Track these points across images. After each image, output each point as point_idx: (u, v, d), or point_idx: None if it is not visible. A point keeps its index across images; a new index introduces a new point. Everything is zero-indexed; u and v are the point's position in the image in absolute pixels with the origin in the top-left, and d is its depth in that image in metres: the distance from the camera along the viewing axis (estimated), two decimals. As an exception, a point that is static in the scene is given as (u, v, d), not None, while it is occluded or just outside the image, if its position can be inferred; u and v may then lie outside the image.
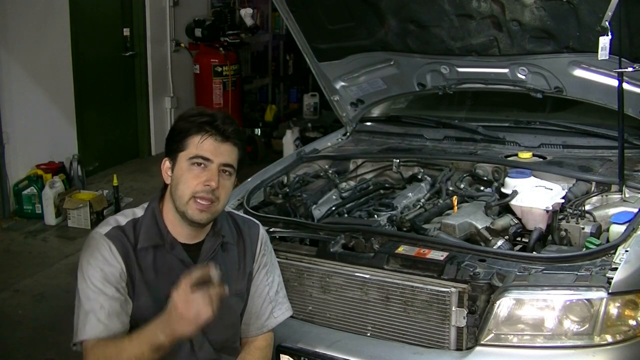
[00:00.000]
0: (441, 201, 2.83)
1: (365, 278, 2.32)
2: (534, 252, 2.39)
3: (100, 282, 1.82)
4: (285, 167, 3.26)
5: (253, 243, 2.09)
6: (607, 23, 2.52)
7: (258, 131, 7.65)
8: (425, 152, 3.33)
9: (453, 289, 2.16)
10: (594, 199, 2.67)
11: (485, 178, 3.00)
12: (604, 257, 2.17)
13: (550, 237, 2.51)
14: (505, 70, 3.17)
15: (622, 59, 2.60)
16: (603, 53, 2.56)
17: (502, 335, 2.11)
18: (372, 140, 3.63)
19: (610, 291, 2.02)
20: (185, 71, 7.41)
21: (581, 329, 2.05)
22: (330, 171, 3.20)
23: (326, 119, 7.01)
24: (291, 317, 2.23)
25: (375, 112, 3.84)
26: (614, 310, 2.04)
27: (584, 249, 2.35)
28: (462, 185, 2.96)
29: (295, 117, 8.23)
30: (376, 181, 3.15)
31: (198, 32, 6.91)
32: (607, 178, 2.73)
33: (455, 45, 3.14)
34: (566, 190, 2.69)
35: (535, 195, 2.62)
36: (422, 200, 2.87)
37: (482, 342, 2.12)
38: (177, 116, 1.98)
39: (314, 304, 2.43)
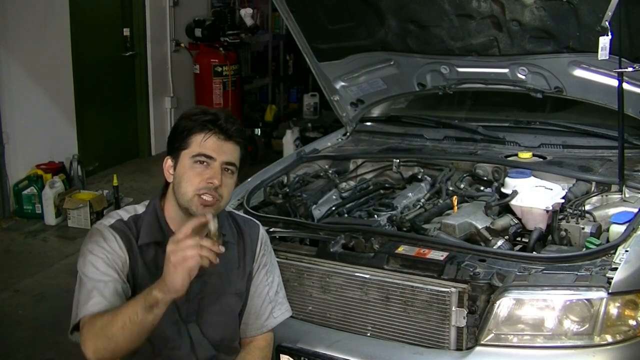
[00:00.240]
0: (441, 201, 2.83)
1: (365, 278, 2.32)
2: (534, 252, 2.39)
3: (104, 267, 1.83)
4: (285, 167, 3.26)
5: (253, 243, 2.09)
6: (607, 23, 2.52)
7: (258, 131, 7.65)
8: (425, 152, 3.33)
9: (453, 289, 2.16)
10: (594, 199, 2.67)
11: (485, 178, 3.00)
12: (604, 257, 2.17)
13: (550, 237, 2.51)
14: (505, 70, 3.17)
15: (622, 59, 2.60)
16: (603, 53, 2.56)
17: (502, 335, 2.11)
18: (372, 140, 3.63)
19: (610, 291, 2.02)
20: (185, 71, 7.41)
21: (581, 329, 2.05)
22: (330, 171, 3.20)
23: (326, 119, 7.01)
24: (291, 317, 2.23)
25: (375, 112, 3.84)
26: (614, 310, 2.04)
27: (584, 249, 2.35)
28: (462, 185, 2.96)
29: (295, 117, 8.23)
30: (376, 181, 3.15)
31: (198, 32, 6.91)
32: (607, 178, 2.73)
33: (455, 45, 3.14)
34: (566, 190, 2.69)
35: (535, 195, 2.62)
36: (422, 200, 2.87)
37: (482, 342, 2.12)
38: (179, 115, 1.98)
39: (314, 304, 2.43)
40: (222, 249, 1.68)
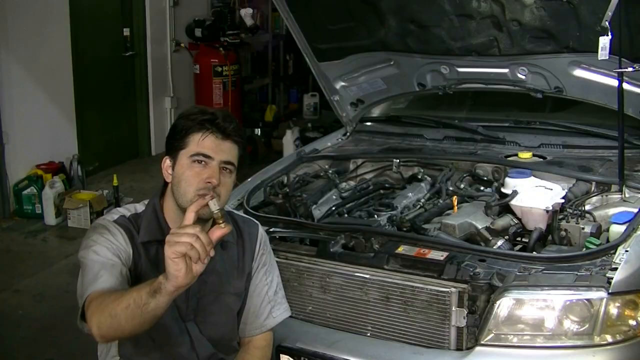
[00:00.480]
0: (441, 201, 2.83)
1: (365, 278, 2.32)
2: (534, 252, 2.39)
3: (109, 254, 1.83)
4: (285, 167, 3.26)
5: (252, 242, 2.09)
6: (607, 23, 2.52)
7: (258, 131, 7.64)
8: (425, 152, 3.33)
9: (453, 289, 2.16)
10: (594, 199, 2.67)
11: (485, 178, 3.00)
12: (604, 257, 2.17)
13: (550, 237, 2.51)
14: (505, 70, 3.17)
15: (622, 59, 2.60)
16: (603, 53, 2.56)
17: (502, 335, 2.11)
18: (372, 140, 3.63)
19: (610, 291, 2.02)
20: (185, 71, 7.41)
21: (581, 329, 2.05)
22: (330, 171, 3.20)
23: (326, 119, 7.01)
24: (291, 317, 2.23)
25: (375, 112, 3.84)
26: (614, 310, 2.05)
27: (584, 249, 2.35)
28: (462, 185, 2.96)
29: (295, 117, 8.22)
30: (376, 181, 3.15)
31: (198, 32, 6.91)
32: (607, 178, 2.73)
33: (455, 45, 3.14)
34: (566, 190, 2.69)
35: (535, 195, 2.62)
36: (422, 200, 2.87)
37: (482, 342, 2.12)
38: (177, 115, 1.98)
39: (313, 304, 2.43)
40: (229, 228, 1.66)
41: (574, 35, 2.84)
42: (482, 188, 2.94)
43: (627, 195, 2.60)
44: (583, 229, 2.44)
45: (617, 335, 2.04)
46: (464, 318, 2.15)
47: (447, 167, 3.08)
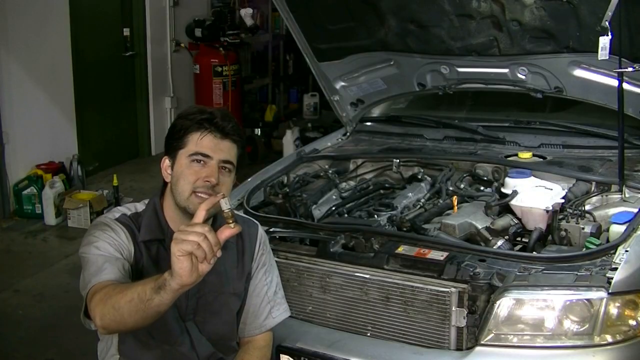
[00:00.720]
0: (441, 201, 2.83)
1: (365, 278, 2.32)
2: (534, 252, 2.39)
3: (111, 249, 1.84)
4: (285, 167, 3.26)
5: (252, 242, 2.09)
6: (607, 23, 2.52)
7: (258, 131, 7.64)
8: (425, 152, 3.33)
9: (453, 289, 2.16)
10: (594, 199, 2.67)
11: (485, 178, 3.00)
12: (604, 257, 2.16)
13: (550, 237, 2.51)
14: (505, 70, 3.17)
15: (622, 59, 2.60)
16: (603, 53, 2.56)
17: (502, 335, 2.11)
18: (372, 140, 3.63)
19: (610, 291, 2.02)
20: (185, 71, 7.41)
21: (581, 329, 2.05)
22: (330, 171, 3.20)
23: (326, 119, 7.01)
24: (291, 317, 2.24)
25: (375, 112, 3.84)
26: (614, 310, 2.04)
27: (584, 249, 2.35)
28: (462, 185, 2.96)
29: (295, 117, 8.23)
30: (376, 181, 3.15)
31: (198, 32, 6.91)
32: (607, 178, 2.73)
33: (455, 45, 3.14)
34: (566, 190, 2.69)
35: (535, 195, 2.62)
36: (422, 200, 2.87)
37: (482, 342, 2.12)
38: (176, 115, 1.98)
39: (313, 304, 2.43)
40: (238, 228, 1.64)
41: (574, 35, 2.84)
42: (482, 188, 2.94)
43: (627, 195, 2.60)
44: (583, 229, 2.44)
45: (617, 335, 2.04)
46: (464, 318, 2.15)
47: (447, 167, 3.08)
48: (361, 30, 3.29)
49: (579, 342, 2.06)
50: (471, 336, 2.15)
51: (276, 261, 2.25)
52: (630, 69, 2.62)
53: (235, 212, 2.19)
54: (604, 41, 2.55)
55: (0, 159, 5.39)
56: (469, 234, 2.56)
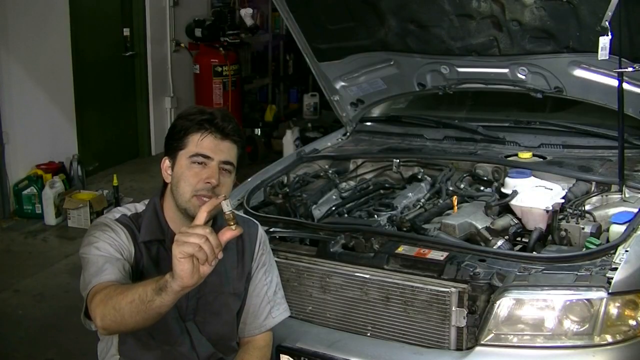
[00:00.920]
0: (441, 201, 2.83)
1: (365, 278, 2.32)
2: (534, 252, 2.39)
3: (112, 250, 1.84)
4: (285, 167, 3.26)
5: (252, 243, 2.09)
6: (607, 23, 2.52)
7: (258, 131, 7.64)
8: (425, 152, 3.33)
9: (453, 289, 2.16)
10: (594, 199, 2.67)
11: (485, 178, 3.00)
12: (604, 257, 2.16)
13: (550, 237, 2.51)
14: (505, 70, 3.17)
15: (622, 59, 2.60)
16: (603, 53, 2.56)
17: (502, 335, 2.11)
18: (372, 140, 3.63)
19: (610, 291, 2.02)
20: (185, 71, 7.41)
21: (581, 329, 2.05)
22: (330, 171, 3.20)
23: (326, 119, 7.01)
24: (291, 317, 2.24)
25: (375, 112, 3.84)
26: (614, 310, 2.04)
27: (584, 249, 2.35)
28: (462, 185, 2.96)
29: (295, 117, 8.23)
30: (376, 181, 3.15)
31: (198, 32, 6.91)
32: (607, 178, 2.73)
33: (455, 45, 3.14)
34: (566, 190, 2.69)
35: (535, 195, 2.62)
36: (422, 200, 2.87)
37: (482, 342, 2.12)
38: (176, 115, 1.98)
39: (313, 304, 2.43)
40: (240, 230, 1.64)
41: (574, 35, 2.84)
42: (482, 188, 2.94)
43: (627, 195, 2.60)
44: (583, 229, 2.44)
45: (617, 335, 2.04)
46: (464, 318, 2.15)
47: (447, 167, 3.08)
48: (361, 30, 3.29)
49: (579, 342, 2.06)
50: (471, 336, 2.15)
51: (276, 261, 2.25)
52: (630, 69, 2.62)
53: (236, 212, 2.19)
54: (604, 41, 2.55)
55: (0, 159, 5.39)
56: (469, 234, 2.56)
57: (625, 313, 2.06)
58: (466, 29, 3.03)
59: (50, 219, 5.41)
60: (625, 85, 2.68)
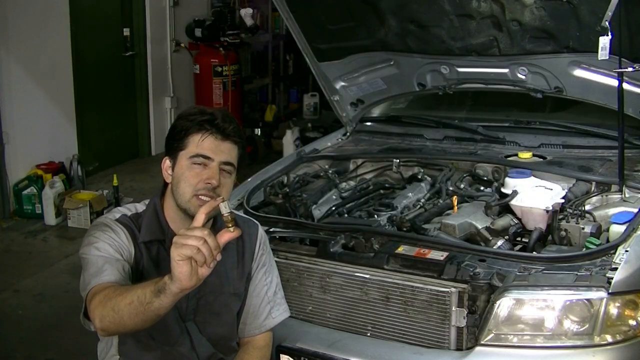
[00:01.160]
0: (441, 201, 2.83)
1: (365, 278, 2.32)
2: (534, 252, 2.39)
3: (112, 250, 1.84)
4: (285, 167, 3.26)
5: (252, 243, 2.09)
6: (607, 23, 2.52)
7: (258, 131, 7.64)
8: (425, 152, 3.33)
9: (453, 289, 2.16)
10: (594, 199, 2.67)
11: (485, 178, 3.00)
12: (604, 257, 2.16)
13: (550, 237, 2.51)
14: (505, 70, 3.17)
15: (622, 59, 2.60)
16: (603, 53, 2.56)
17: (502, 335, 2.11)
18: (372, 140, 3.63)
19: (610, 291, 2.02)
20: (185, 71, 7.41)
21: (581, 329, 2.05)
22: (330, 171, 3.20)
23: (326, 119, 7.01)
24: (291, 317, 2.24)
25: (375, 112, 3.84)
26: (614, 310, 2.05)
27: (584, 249, 2.35)
28: (462, 185, 2.96)
29: (295, 117, 8.23)
30: (376, 181, 3.15)
31: (198, 32, 6.91)
32: (607, 178, 2.73)
33: (455, 45, 3.14)
34: (566, 190, 2.69)
35: (535, 195, 2.62)
36: (422, 200, 2.87)
37: (482, 342, 2.12)
38: (176, 115, 1.97)
39: (313, 304, 2.43)
40: (238, 232, 1.63)
41: (574, 35, 2.84)
42: (482, 188, 2.94)
43: (627, 195, 2.60)
44: (583, 229, 2.44)
45: (617, 335, 2.04)
46: (464, 318, 2.15)
47: (447, 167, 3.08)
48: (361, 30, 3.29)
49: (579, 342, 2.06)
50: (471, 336, 2.15)
51: (276, 261, 2.25)
52: (630, 69, 2.62)
53: (236, 212, 2.19)
54: (604, 41, 2.55)
55: (0, 159, 5.39)
56: (469, 234, 2.56)
57: (625, 313, 2.06)
58: (466, 29, 3.03)
59: (50, 219, 5.41)
60: (625, 85, 2.68)
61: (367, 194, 3.01)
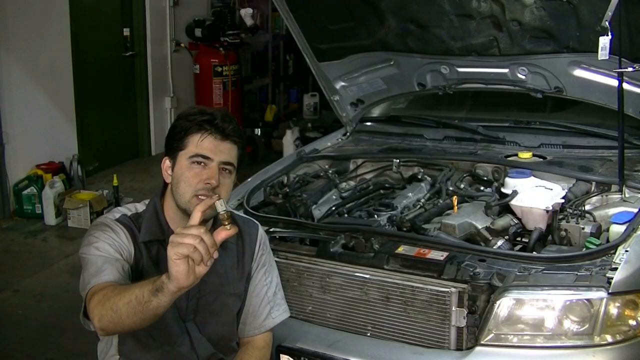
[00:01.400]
0: (441, 201, 2.83)
1: (365, 278, 2.32)
2: (534, 252, 2.39)
3: (112, 250, 1.84)
4: (285, 167, 3.26)
5: (252, 243, 2.09)
6: (607, 23, 2.52)
7: (258, 131, 7.65)
8: (425, 152, 3.33)
9: (453, 289, 2.16)
10: (594, 199, 2.67)
11: (485, 178, 3.00)
12: (604, 257, 2.16)
13: (550, 237, 2.51)
14: (505, 70, 3.17)
15: (622, 59, 2.60)
16: (603, 53, 2.56)
17: (502, 335, 2.11)
18: (372, 140, 3.63)
19: (610, 291, 2.02)
20: (185, 71, 7.41)
21: (581, 329, 2.05)
22: (330, 171, 3.20)
23: (326, 119, 7.01)
24: (291, 317, 2.24)
25: (375, 112, 3.84)
26: (614, 310, 2.04)
27: (584, 249, 2.35)
28: (462, 185, 2.96)
29: (295, 117, 8.22)
30: (376, 181, 3.15)
31: (198, 32, 6.91)
32: (607, 178, 2.73)
33: (455, 45, 3.14)
34: (566, 190, 2.69)
35: (535, 195, 2.62)
36: (422, 200, 2.87)
37: (482, 342, 2.12)
38: (176, 115, 1.97)
39: (313, 304, 2.43)
40: (234, 229, 1.63)
41: (574, 35, 2.84)
42: (482, 188, 2.94)
43: (627, 195, 2.60)
44: (583, 229, 2.44)
45: (617, 335, 2.04)
46: (464, 318, 2.15)
47: (447, 167, 3.08)
48: (361, 30, 3.29)
49: (579, 342, 2.06)
50: (471, 336, 2.15)
51: (276, 261, 2.25)
52: (630, 69, 2.62)
53: (235, 212, 2.20)
54: (604, 41, 2.55)
55: (0, 159, 5.39)
56: (469, 234, 2.56)
57: (625, 313, 2.06)
58: (466, 29, 3.03)
59: (50, 219, 5.41)
60: (625, 85, 2.68)
61: (367, 194, 3.01)
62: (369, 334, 2.33)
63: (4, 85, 5.40)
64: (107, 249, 1.83)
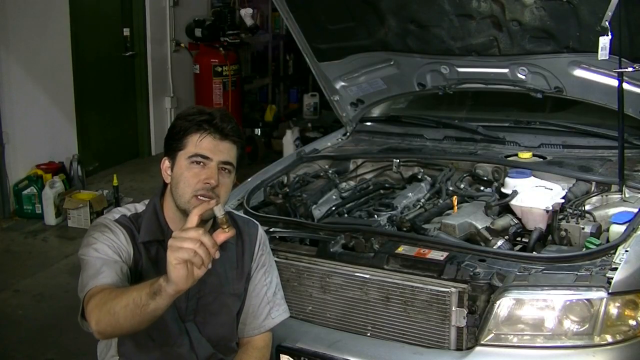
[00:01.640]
0: (441, 201, 2.83)
1: (365, 278, 2.32)
2: (534, 252, 2.39)
3: (110, 252, 1.84)
4: (285, 167, 3.26)
5: (252, 243, 2.09)
6: (607, 23, 2.52)
7: (258, 131, 7.65)
8: (425, 152, 3.33)
9: (453, 289, 2.16)
10: (594, 199, 2.67)
11: (485, 178, 3.00)
12: (604, 257, 2.16)
13: (550, 237, 2.51)
14: (505, 70, 3.17)
15: (622, 59, 2.60)
16: (603, 53, 2.56)
17: (502, 335, 2.11)
18: (372, 140, 3.63)
19: (610, 291, 2.02)
20: (185, 71, 7.41)
21: (581, 329, 2.05)
22: (330, 171, 3.20)
23: (326, 119, 7.01)
24: (291, 317, 2.24)
25: (375, 112, 3.84)
26: (614, 310, 2.04)
27: (584, 249, 2.35)
28: (462, 185, 2.96)
29: (295, 117, 8.23)
30: (376, 181, 3.15)
31: (198, 32, 6.91)
32: (607, 178, 2.73)
33: (455, 45, 3.14)
34: (566, 190, 2.69)
35: (535, 195, 2.62)
36: (422, 200, 2.87)
37: (482, 342, 2.12)
38: (176, 115, 1.97)
39: (313, 304, 2.43)
40: (233, 232, 1.62)
41: (574, 35, 2.84)
42: (482, 188, 2.94)
43: (627, 195, 2.60)
44: (583, 229, 2.44)
45: (617, 335, 2.04)
46: (464, 318, 2.15)
47: (447, 167, 3.08)
48: (361, 30, 3.29)
49: (579, 342, 2.06)
50: (471, 336, 2.15)
51: (276, 261, 2.25)
52: (630, 69, 2.62)
53: (236, 212, 2.20)
54: (604, 41, 2.55)
55: (0, 159, 5.39)
56: (469, 234, 2.56)
57: (625, 313, 2.06)
58: (466, 29, 3.03)
59: (50, 219, 5.41)
60: (625, 85, 2.68)
61: (367, 194, 3.01)
62: (369, 334, 2.33)
63: (4, 85, 5.40)
64: (106, 250, 1.83)
